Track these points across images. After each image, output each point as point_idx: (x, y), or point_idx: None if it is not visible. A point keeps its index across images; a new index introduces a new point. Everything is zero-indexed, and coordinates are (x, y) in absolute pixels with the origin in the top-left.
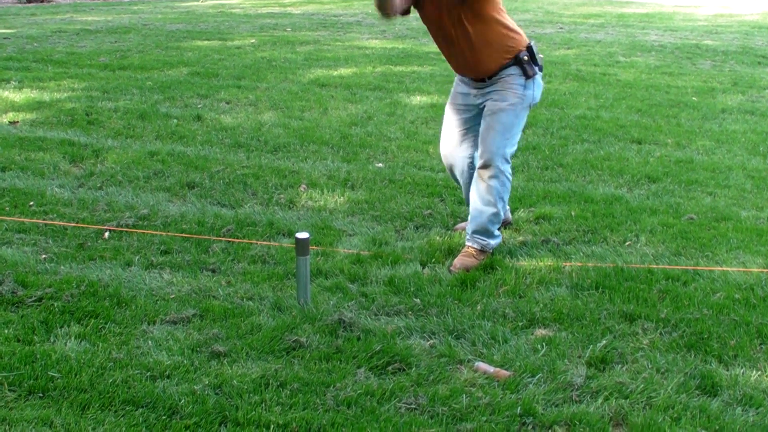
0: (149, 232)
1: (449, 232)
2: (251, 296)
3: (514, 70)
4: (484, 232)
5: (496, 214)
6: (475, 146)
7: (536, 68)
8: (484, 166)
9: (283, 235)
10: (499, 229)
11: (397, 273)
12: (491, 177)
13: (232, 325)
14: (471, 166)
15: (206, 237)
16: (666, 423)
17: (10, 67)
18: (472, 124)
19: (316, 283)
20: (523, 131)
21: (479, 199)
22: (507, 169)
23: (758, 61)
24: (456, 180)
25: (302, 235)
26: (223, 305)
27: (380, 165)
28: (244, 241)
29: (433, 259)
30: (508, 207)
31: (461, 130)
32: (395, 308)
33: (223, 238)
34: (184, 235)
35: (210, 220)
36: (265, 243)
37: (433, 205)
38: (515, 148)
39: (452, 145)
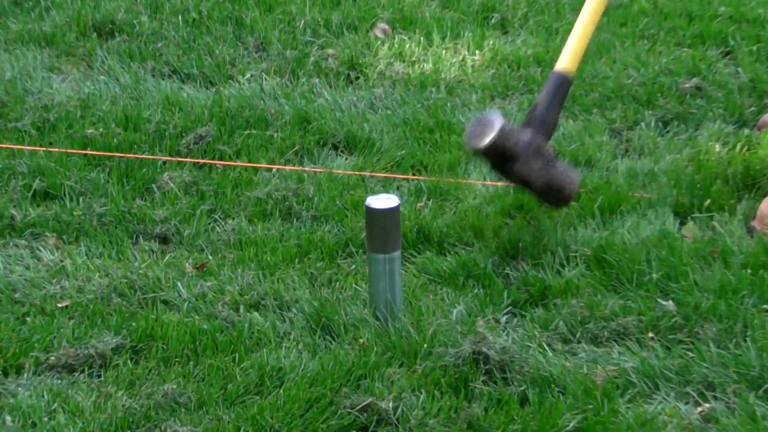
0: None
1: (746, 130)
2: (256, 300)
3: None
4: None
5: None
6: None
7: None
8: None
9: (334, 147)
10: None
11: (616, 234)
12: None
13: (211, 373)
14: None
15: (144, 156)
16: None
17: None
18: None
19: (415, 265)
20: None
21: None
22: None
23: None
24: None
25: (383, 202)
26: (189, 324)
27: None
28: (239, 164)
29: (710, 203)
30: None
31: None
32: (611, 324)
33: (187, 159)
34: (90, 152)
35: (155, 116)
36: (289, 169)
37: (710, 67)
38: None
39: None
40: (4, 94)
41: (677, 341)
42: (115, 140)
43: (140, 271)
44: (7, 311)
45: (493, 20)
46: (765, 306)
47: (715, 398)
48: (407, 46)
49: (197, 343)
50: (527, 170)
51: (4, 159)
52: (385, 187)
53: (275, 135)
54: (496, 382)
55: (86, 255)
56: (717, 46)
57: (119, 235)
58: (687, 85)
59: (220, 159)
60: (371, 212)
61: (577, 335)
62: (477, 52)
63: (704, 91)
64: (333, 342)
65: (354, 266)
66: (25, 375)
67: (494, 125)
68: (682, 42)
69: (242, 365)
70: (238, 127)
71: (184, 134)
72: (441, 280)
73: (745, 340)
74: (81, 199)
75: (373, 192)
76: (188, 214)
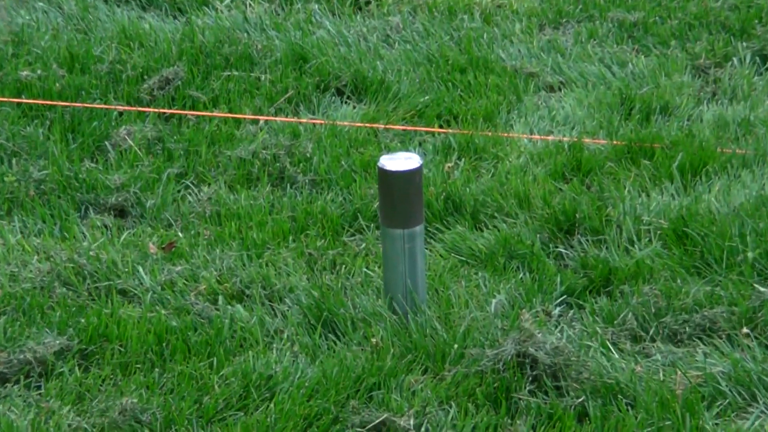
0: None
1: None
2: (239, 290)
3: None
4: None
5: None
6: None
7: None
8: None
9: (338, 92)
10: None
11: (701, 201)
12: None
13: (181, 383)
14: None
15: (94, 105)
16: None
17: None
18: None
19: (442, 243)
20: None
21: None
22: None
23: None
24: None
25: (400, 162)
26: (154, 320)
27: None
28: (216, 114)
29: None
30: None
31: None
32: (695, 317)
33: (150, 109)
34: (25, 101)
35: (109, 54)
36: (281, 120)
37: None
38: None
39: None
40: None
41: None
42: (57, 85)
43: (90, 253)
44: None
45: None
46: None
47: None
48: None
49: (164, 344)
50: None
51: None
52: (404, 143)
53: (263, 77)
54: (546, 392)
55: (21, 233)
56: None
57: (63, 207)
58: None
59: (192, 108)
60: (386, 175)
61: (651, 332)
62: None
63: None
64: (337, 342)
65: (364, 245)
66: None
67: None
68: None
69: (221, 372)
70: (216, 68)
71: (145, 77)
72: (476, 262)
73: None
74: (14, 161)
75: (389, 149)
76: (152, 180)
